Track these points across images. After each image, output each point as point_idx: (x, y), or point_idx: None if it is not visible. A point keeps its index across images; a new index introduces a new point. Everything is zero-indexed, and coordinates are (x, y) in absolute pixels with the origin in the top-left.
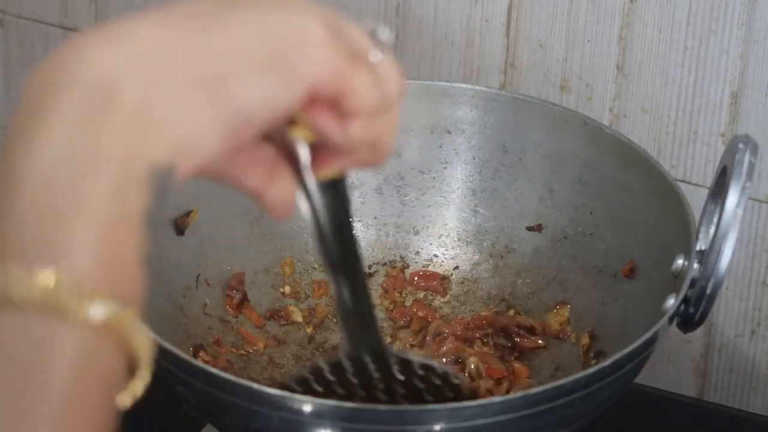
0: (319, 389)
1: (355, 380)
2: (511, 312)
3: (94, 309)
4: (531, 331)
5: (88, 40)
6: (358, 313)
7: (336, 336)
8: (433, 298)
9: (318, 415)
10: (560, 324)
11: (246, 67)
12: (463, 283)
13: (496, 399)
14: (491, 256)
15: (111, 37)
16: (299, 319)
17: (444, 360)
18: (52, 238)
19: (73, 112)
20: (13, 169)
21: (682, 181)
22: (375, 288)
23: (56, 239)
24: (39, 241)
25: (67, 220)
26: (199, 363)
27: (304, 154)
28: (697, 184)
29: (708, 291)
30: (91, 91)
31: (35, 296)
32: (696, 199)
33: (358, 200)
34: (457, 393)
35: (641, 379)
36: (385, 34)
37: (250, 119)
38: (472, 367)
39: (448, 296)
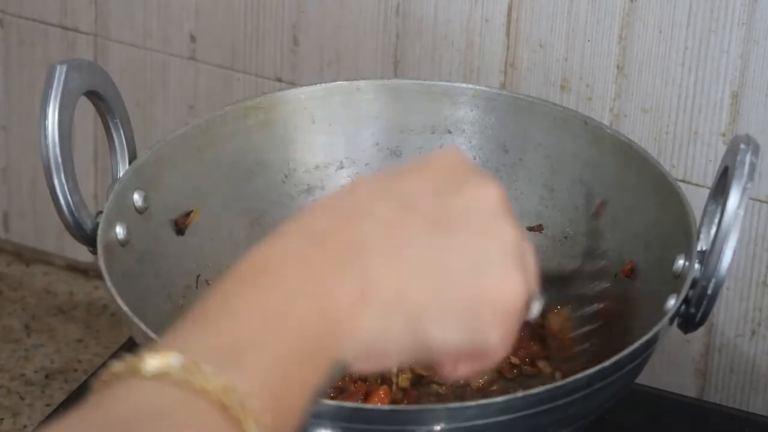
0: None
1: None
2: None
3: (252, 426)
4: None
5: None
6: None
7: None
8: None
9: (318, 415)
10: (561, 324)
11: (446, 315)
12: None
13: (497, 399)
14: None
15: (344, 263)
16: None
17: None
18: (244, 359)
19: (300, 276)
20: (238, 299)
21: (683, 181)
22: None
23: (246, 362)
24: (232, 356)
25: (261, 352)
26: None
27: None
28: (697, 184)
29: (709, 291)
30: (317, 276)
31: (213, 390)
32: (696, 199)
33: None
34: None
35: (641, 379)
36: (536, 309)
37: (429, 352)
38: None
39: None
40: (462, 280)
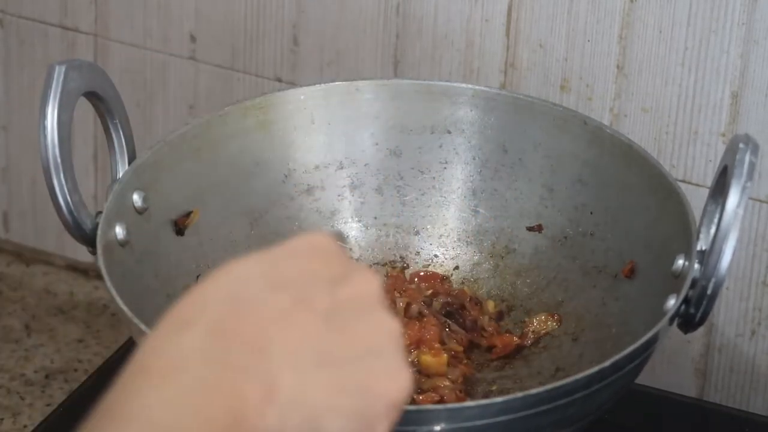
0: None
1: None
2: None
3: None
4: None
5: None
6: None
7: None
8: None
9: None
10: (542, 332)
11: (341, 411)
12: (463, 283)
13: (497, 399)
14: (491, 256)
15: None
16: None
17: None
18: None
19: (207, 374)
20: (146, 398)
21: (683, 181)
22: None
23: None
24: None
25: None
26: None
27: None
28: (697, 184)
29: (709, 291)
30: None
31: None
32: (696, 199)
33: (358, 200)
34: None
35: (641, 379)
36: None
37: None
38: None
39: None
40: (355, 374)
